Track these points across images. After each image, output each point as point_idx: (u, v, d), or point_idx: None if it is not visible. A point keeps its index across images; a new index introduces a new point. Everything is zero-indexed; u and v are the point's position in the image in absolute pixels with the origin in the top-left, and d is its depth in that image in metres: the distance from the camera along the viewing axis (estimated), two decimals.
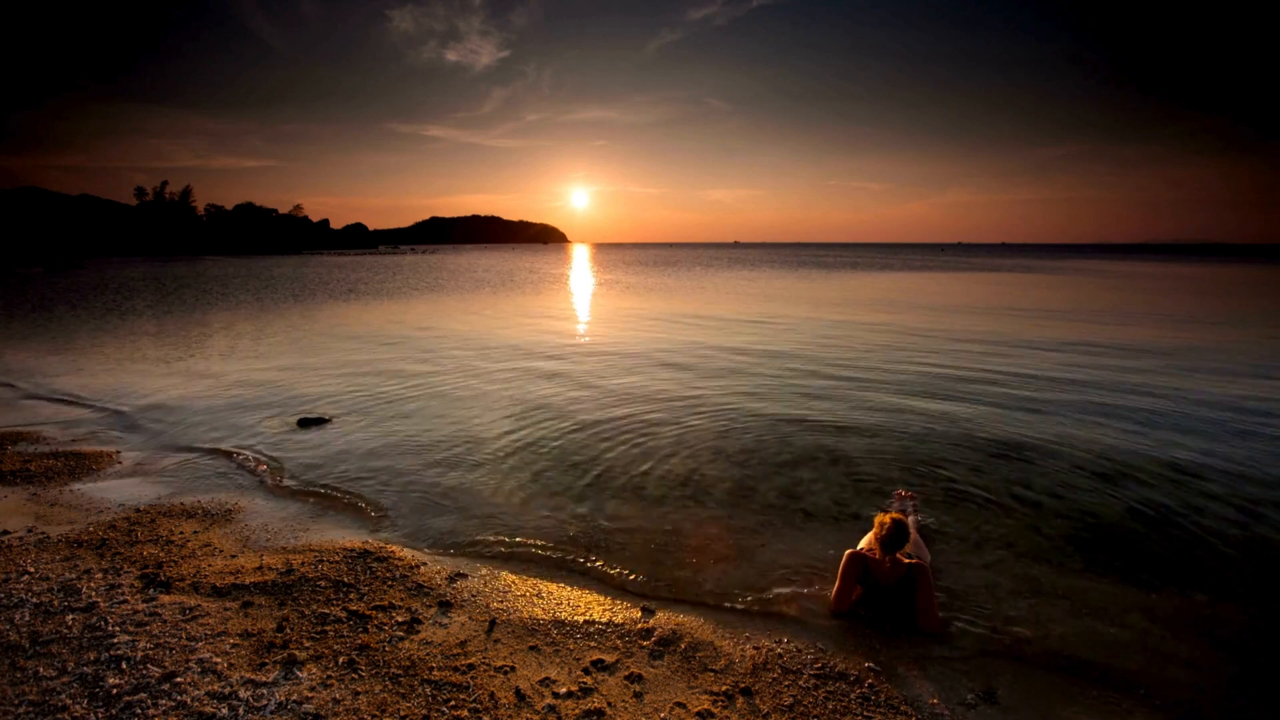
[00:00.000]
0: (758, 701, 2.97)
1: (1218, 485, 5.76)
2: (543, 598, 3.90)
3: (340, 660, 3.18)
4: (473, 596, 3.88)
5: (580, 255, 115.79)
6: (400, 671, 3.12)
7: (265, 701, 2.86)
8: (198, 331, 16.49)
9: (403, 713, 2.82)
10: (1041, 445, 6.82)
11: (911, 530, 4.04)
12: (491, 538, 4.75)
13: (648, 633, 3.52)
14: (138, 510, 5.14)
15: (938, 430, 7.34)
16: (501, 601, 3.83)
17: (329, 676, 3.06)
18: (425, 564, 4.30)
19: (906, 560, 3.66)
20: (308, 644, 3.31)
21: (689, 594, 3.99)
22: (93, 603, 3.66)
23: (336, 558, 4.31)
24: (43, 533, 4.67)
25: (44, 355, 12.77)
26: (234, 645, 3.28)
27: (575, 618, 3.67)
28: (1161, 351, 12.79)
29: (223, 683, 2.97)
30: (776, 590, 4.01)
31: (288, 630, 3.43)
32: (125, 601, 3.68)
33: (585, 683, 3.09)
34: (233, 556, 4.36)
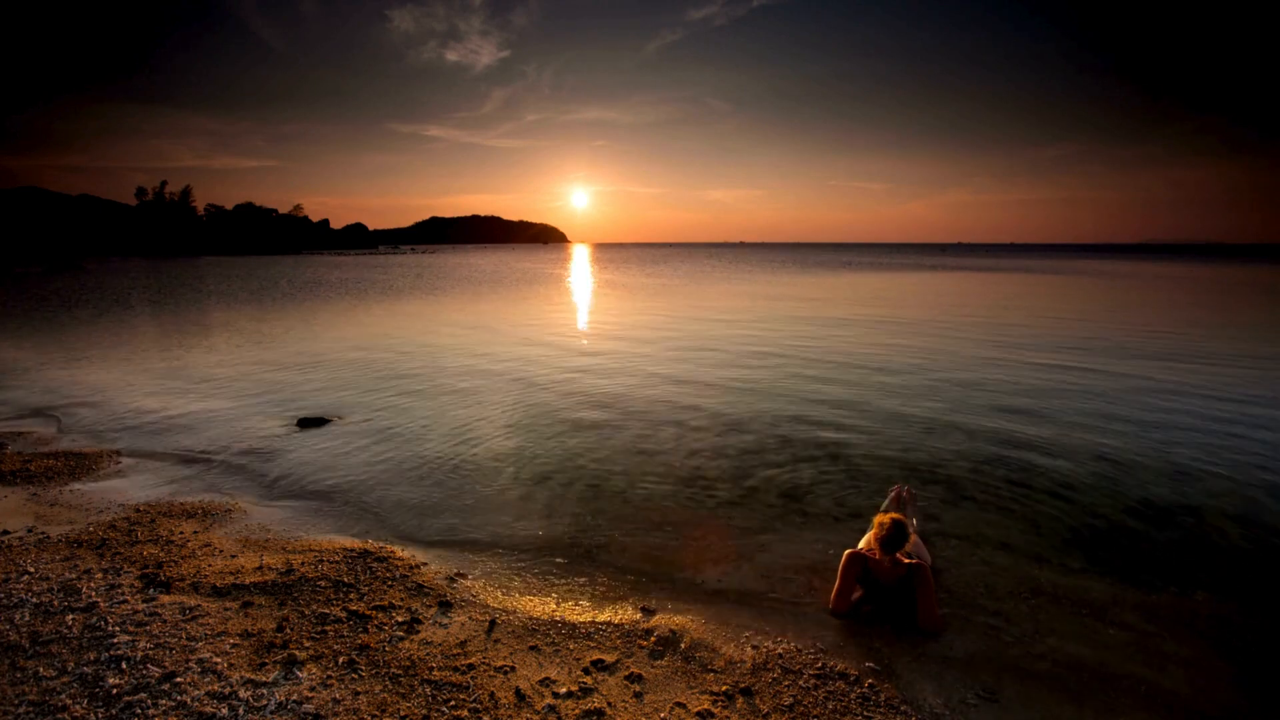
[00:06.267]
0: (758, 701, 2.97)
1: (1218, 485, 5.76)
2: (542, 598, 3.90)
3: (340, 660, 3.18)
4: (473, 596, 3.88)
5: (580, 255, 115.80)
6: (400, 671, 3.12)
7: (265, 701, 2.86)
8: (197, 331, 16.49)
9: (403, 713, 2.82)
10: (1041, 445, 6.82)
11: (911, 531, 4.04)
12: (491, 537, 4.76)
13: (648, 633, 3.52)
14: (138, 510, 5.14)
15: (938, 430, 7.34)
16: (501, 601, 3.83)
17: (329, 676, 3.05)
18: (425, 564, 4.30)
19: (907, 560, 3.66)
20: (308, 644, 3.31)
21: (689, 594, 3.99)
22: (93, 603, 3.66)
23: (336, 558, 4.31)
24: (43, 533, 4.66)
25: (43, 355, 12.77)
26: (234, 645, 3.28)
27: (575, 618, 3.67)
28: (1161, 352, 12.79)
29: (223, 683, 2.97)
30: (776, 590, 4.01)
31: (288, 630, 3.43)
32: (125, 601, 3.68)
33: (585, 683, 3.09)
34: (233, 556, 4.35)
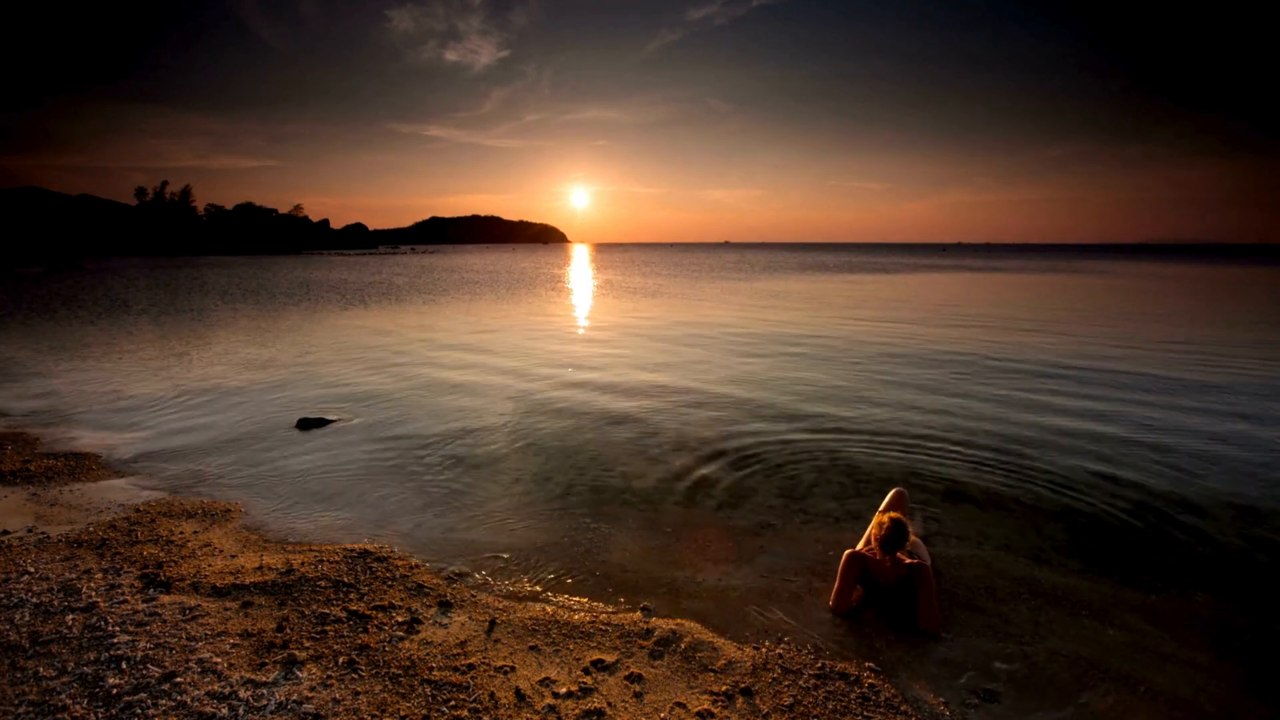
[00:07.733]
0: (758, 701, 2.97)
1: (1218, 485, 5.76)
2: (542, 598, 3.91)
3: (340, 660, 3.18)
4: (473, 596, 3.88)
5: (579, 255, 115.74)
6: (400, 671, 3.12)
7: (265, 701, 2.86)
8: (197, 332, 16.49)
9: (403, 713, 2.82)
10: (1041, 445, 6.82)
11: (911, 531, 4.04)
12: (491, 538, 4.75)
13: (648, 633, 3.52)
14: (138, 510, 5.14)
15: (938, 430, 7.34)
16: (501, 601, 3.84)
17: (329, 676, 3.06)
18: (425, 564, 4.30)
19: (907, 560, 3.66)
20: (308, 644, 3.31)
21: (689, 594, 3.98)
22: (93, 603, 3.66)
23: (336, 558, 4.31)
24: (43, 533, 4.66)
25: (44, 355, 12.77)
26: (234, 645, 3.28)
27: (575, 618, 3.67)
28: (1162, 351, 12.79)
29: (223, 683, 2.97)
30: (776, 590, 4.01)
31: (288, 630, 3.43)
32: (125, 601, 3.68)
33: (585, 683, 3.09)
34: (233, 556, 4.35)
